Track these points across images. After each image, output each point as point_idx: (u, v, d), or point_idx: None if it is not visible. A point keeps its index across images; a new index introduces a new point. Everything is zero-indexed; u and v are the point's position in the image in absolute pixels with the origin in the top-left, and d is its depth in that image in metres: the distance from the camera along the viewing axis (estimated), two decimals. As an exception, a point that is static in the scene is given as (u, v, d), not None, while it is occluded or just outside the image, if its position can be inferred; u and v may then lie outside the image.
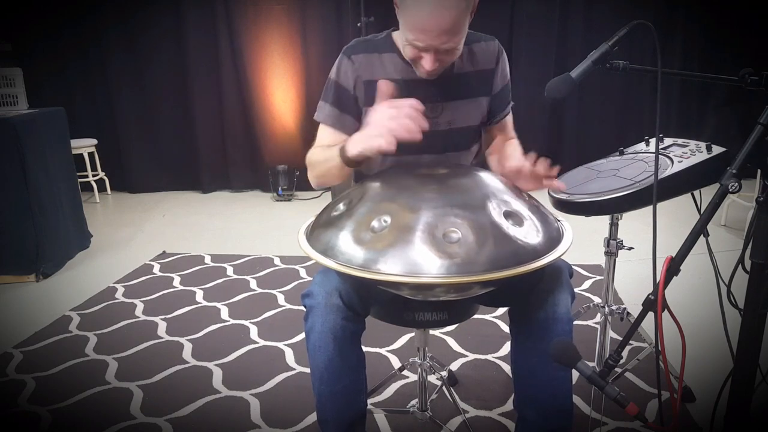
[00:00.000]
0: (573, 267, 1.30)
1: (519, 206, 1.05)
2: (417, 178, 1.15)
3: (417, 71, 1.28)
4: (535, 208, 1.09)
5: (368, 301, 1.24)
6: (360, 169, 1.30)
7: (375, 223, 1.00)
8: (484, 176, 1.14)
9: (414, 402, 1.69)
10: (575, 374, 0.95)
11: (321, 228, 1.09)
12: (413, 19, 1.14)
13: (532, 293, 1.18)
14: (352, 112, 1.34)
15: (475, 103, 1.37)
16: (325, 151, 1.29)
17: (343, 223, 1.04)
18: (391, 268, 0.93)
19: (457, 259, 0.93)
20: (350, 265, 0.96)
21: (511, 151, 1.36)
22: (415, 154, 1.36)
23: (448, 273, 0.92)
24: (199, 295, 2.70)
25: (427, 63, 1.19)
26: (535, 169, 1.15)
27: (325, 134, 1.37)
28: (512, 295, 1.23)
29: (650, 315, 0.85)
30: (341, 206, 1.10)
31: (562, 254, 1.02)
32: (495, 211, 1.01)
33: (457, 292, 1.07)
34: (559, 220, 1.14)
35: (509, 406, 1.74)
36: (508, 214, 1.02)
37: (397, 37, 1.33)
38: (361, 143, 1.13)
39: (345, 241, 1.00)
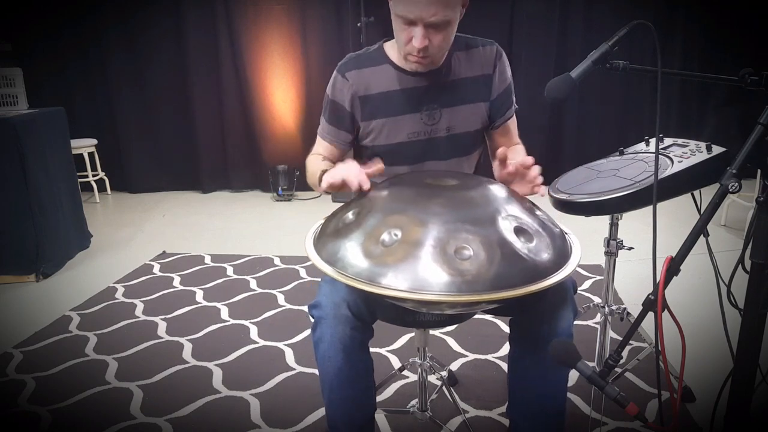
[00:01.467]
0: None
1: (529, 221, 1.04)
2: (425, 188, 1.14)
3: (408, 65, 1.29)
4: (543, 222, 1.08)
5: (375, 310, 1.24)
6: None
7: (385, 237, 0.98)
8: (492, 188, 1.13)
9: (414, 402, 1.69)
10: (575, 374, 0.95)
11: (328, 237, 1.08)
12: None
13: (536, 307, 1.18)
14: (347, 128, 1.39)
15: (474, 107, 1.38)
16: (316, 163, 1.36)
17: (352, 234, 1.03)
18: (401, 283, 0.92)
19: (468, 277, 0.92)
20: (360, 279, 0.95)
21: (513, 156, 1.37)
22: (417, 161, 1.37)
23: (459, 291, 0.91)
24: (199, 295, 2.70)
25: (417, 40, 1.19)
26: (528, 171, 1.16)
27: (322, 147, 1.44)
28: (516, 307, 1.23)
29: (650, 315, 0.85)
30: (350, 215, 1.09)
31: (572, 272, 1.01)
32: (505, 227, 1.00)
33: (463, 308, 1.07)
34: (566, 233, 1.14)
35: (509, 406, 1.74)
36: (519, 230, 1.01)
37: (390, 47, 1.36)
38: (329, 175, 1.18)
39: (354, 253, 0.99)
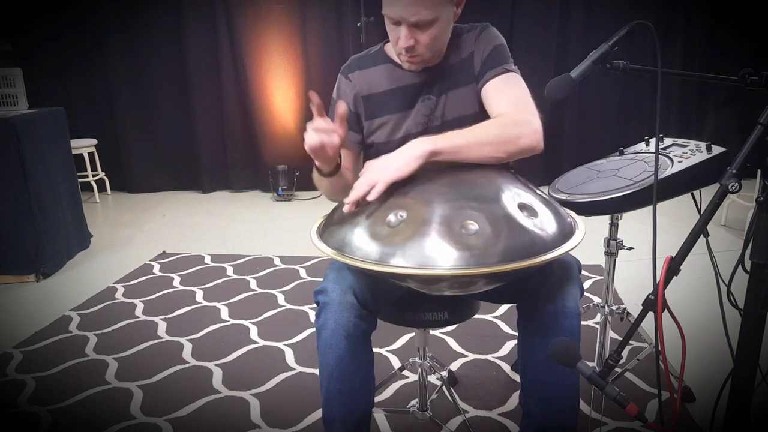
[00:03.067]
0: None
1: (531, 198, 1.05)
2: (427, 172, 1.15)
3: (403, 64, 1.31)
4: (545, 199, 1.09)
5: (381, 299, 1.24)
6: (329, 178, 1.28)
7: (391, 218, 1.00)
8: (493, 169, 1.14)
9: (414, 402, 1.69)
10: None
11: (335, 226, 1.08)
12: None
13: (541, 287, 1.18)
14: (354, 128, 1.39)
15: (465, 91, 1.36)
16: None
17: (357, 220, 1.04)
18: (409, 261, 0.93)
19: (476, 251, 0.93)
20: (368, 261, 0.96)
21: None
22: None
23: (467, 265, 0.92)
24: (199, 295, 2.70)
25: (402, 39, 1.21)
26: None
27: None
28: (521, 290, 1.23)
29: (650, 315, 0.85)
30: None
31: (578, 244, 1.02)
32: (509, 203, 1.01)
33: (463, 287, 1.07)
34: (569, 213, 1.14)
35: (509, 406, 1.74)
36: (523, 206, 1.02)
37: (390, 47, 1.37)
38: None
39: (360, 236, 1.00)
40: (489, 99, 1.29)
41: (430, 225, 0.96)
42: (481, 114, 1.37)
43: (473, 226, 0.95)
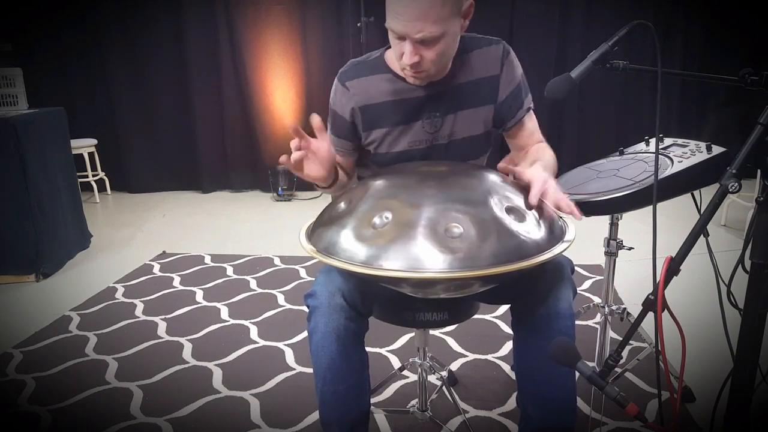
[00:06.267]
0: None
1: (521, 202, 1.05)
2: (418, 175, 1.15)
3: (407, 78, 1.26)
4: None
5: (370, 301, 1.24)
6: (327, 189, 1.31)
7: (376, 220, 0.99)
8: (485, 173, 1.14)
9: (414, 402, 1.69)
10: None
11: (323, 227, 1.09)
12: (391, 3, 1.14)
13: (534, 289, 1.18)
14: (348, 137, 1.38)
15: (478, 112, 1.34)
16: None
17: (345, 221, 1.04)
18: (393, 264, 0.93)
19: (460, 254, 0.92)
20: (352, 262, 0.96)
21: (537, 155, 1.31)
22: None
23: (451, 268, 0.92)
24: (199, 295, 2.70)
25: (406, 56, 1.16)
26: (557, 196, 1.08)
27: None
28: (514, 291, 1.23)
29: (650, 315, 0.85)
30: (342, 205, 1.10)
31: (565, 249, 1.02)
32: (497, 207, 1.01)
33: (458, 290, 1.07)
34: (561, 217, 1.14)
35: (509, 406, 1.74)
36: (510, 210, 1.01)
37: (391, 55, 1.33)
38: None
39: (346, 238, 1.00)
40: (522, 135, 1.39)
41: (414, 227, 0.96)
42: (488, 134, 1.38)
43: (457, 229, 0.95)
